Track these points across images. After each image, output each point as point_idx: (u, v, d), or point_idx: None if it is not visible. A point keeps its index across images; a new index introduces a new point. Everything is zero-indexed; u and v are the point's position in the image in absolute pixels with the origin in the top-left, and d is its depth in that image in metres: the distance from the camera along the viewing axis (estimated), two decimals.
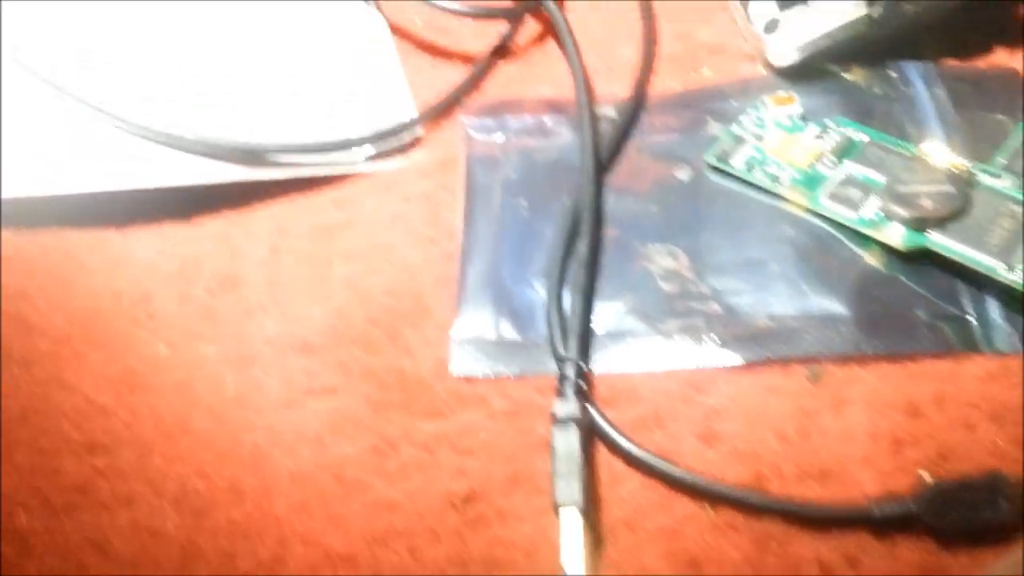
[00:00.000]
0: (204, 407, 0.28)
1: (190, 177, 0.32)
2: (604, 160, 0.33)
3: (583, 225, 0.31)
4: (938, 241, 0.28)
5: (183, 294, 0.31)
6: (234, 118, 0.34)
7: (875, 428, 0.25)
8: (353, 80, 0.36)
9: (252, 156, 0.33)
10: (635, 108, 0.34)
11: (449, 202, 0.33)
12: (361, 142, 0.34)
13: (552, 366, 0.28)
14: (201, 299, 0.31)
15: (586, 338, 0.29)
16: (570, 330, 0.28)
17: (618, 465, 0.26)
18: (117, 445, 0.27)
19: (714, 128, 0.33)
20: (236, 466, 0.27)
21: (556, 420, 0.26)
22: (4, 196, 0.31)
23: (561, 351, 0.28)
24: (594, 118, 0.34)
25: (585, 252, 0.30)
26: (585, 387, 0.27)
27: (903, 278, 0.28)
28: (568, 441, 0.25)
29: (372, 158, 0.34)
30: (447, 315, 0.30)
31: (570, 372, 0.27)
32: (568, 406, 0.26)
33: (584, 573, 0.23)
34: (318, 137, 0.34)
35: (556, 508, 0.24)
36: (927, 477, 0.24)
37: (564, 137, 0.34)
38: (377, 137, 0.34)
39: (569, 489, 0.24)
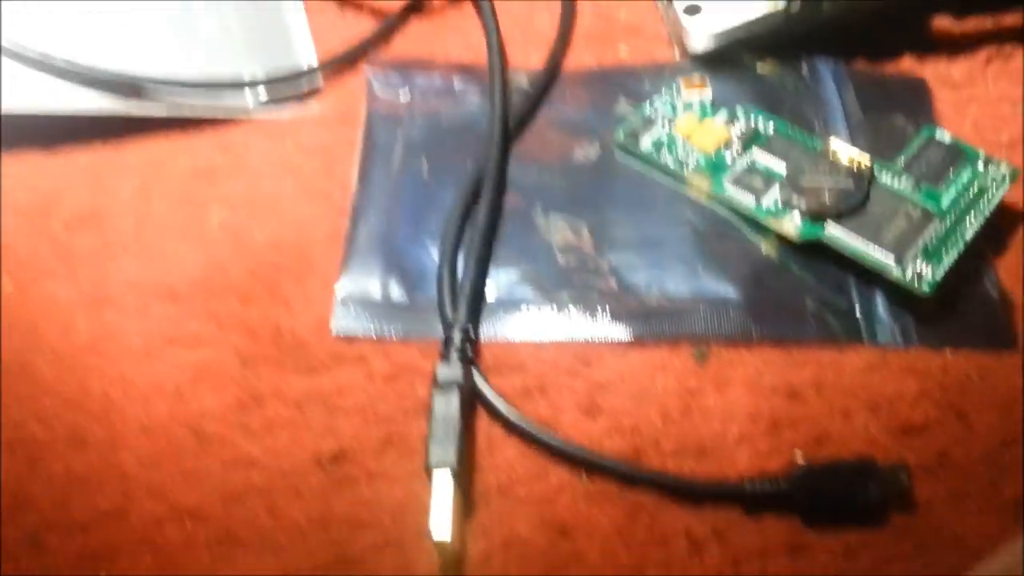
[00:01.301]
0: (50, 351, 0.28)
1: (60, 105, 0.31)
2: (512, 128, 0.34)
3: (484, 190, 0.32)
4: (833, 234, 0.30)
5: (38, 228, 0.30)
6: (115, 44, 0.33)
7: (755, 409, 0.27)
8: (251, 19, 0.36)
9: (132, 88, 0.33)
10: (548, 79, 0.36)
11: (345, 157, 0.33)
12: (253, 84, 0.34)
13: (439, 331, 0.29)
14: (58, 235, 0.30)
15: (476, 304, 0.30)
16: (460, 295, 0.29)
17: (497, 432, 0.27)
18: None
19: (625, 107, 0.35)
20: (81, 414, 0.27)
21: (437, 384, 0.27)
22: None
23: (449, 315, 0.29)
24: (506, 85, 0.35)
25: (484, 218, 0.31)
26: (471, 353, 0.28)
27: (795, 269, 0.31)
28: (448, 405, 0.26)
29: (264, 104, 0.34)
30: (333, 273, 0.30)
31: (456, 336, 0.28)
32: (451, 370, 0.27)
33: (451, 537, 0.24)
34: (206, 74, 0.34)
35: (428, 471, 0.25)
36: (801, 459, 0.26)
37: (473, 102, 0.35)
38: (271, 81, 0.34)
39: (443, 452, 0.25)
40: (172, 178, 0.32)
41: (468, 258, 0.30)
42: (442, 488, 0.25)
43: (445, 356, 0.28)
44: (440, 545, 0.24)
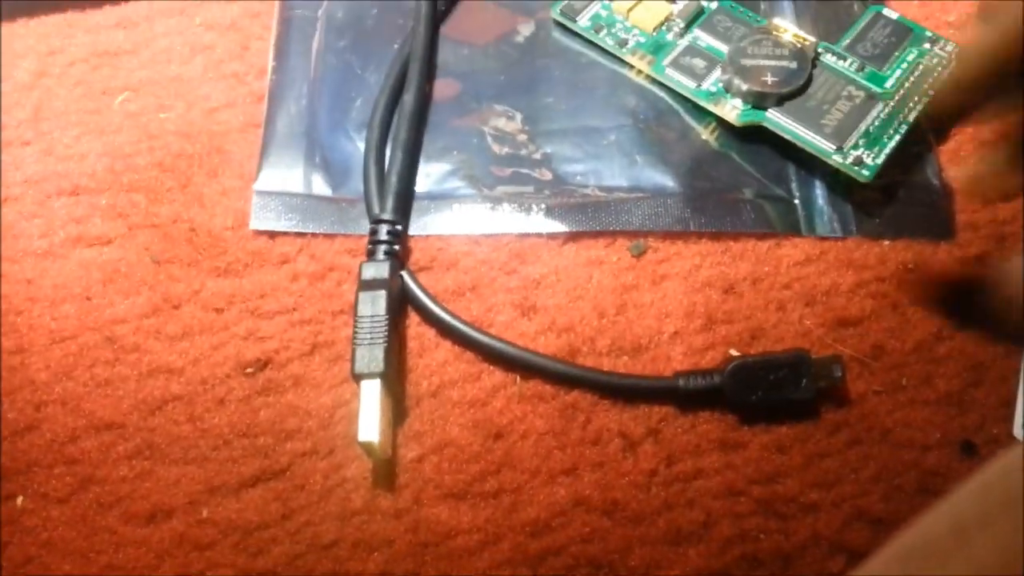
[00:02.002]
0: None
1: None
2: (443, 6, 0.31)
3: (411, 73, 0.29)
4: (774, 119, 0.29)
5: None
6: None
7: (691, 305, 0.26)
8: None
9: None
10: None
11: (260, 35, 0.30)
12: None
13: (366, 226, 0.27)
14: None
15: (405, 197, 0.28)
16: (388, 188, 0.28)
17: (429, 333, 0.26)
18: None
19: None
20: None
21: (363, 284, 0.25)
22: None
23: (376, 210, 0.27)
24: None
25: (411, 103, 0.29)
26: (399, 250, 0.27)
27: (735, 156, 0.29)
28: (375, 307, 0.25)
29: None
30: (250, 164, 0.28)
31: (383, 233, 0.26)
32: (378, 269, 0.26)
33: (378, 438, 0.23)
34: None
35: (356, 377, 0.24)
36: (735, 354, 0.26)
37: None
38: None
39: (371, 358, 0.24)
40: (70, 61, 0.29)
41: (396, 148, 0.28)
42: (369, 397, 0.23)
43: (371, 253, 0.26)
44: (367, 445, 0.23)
